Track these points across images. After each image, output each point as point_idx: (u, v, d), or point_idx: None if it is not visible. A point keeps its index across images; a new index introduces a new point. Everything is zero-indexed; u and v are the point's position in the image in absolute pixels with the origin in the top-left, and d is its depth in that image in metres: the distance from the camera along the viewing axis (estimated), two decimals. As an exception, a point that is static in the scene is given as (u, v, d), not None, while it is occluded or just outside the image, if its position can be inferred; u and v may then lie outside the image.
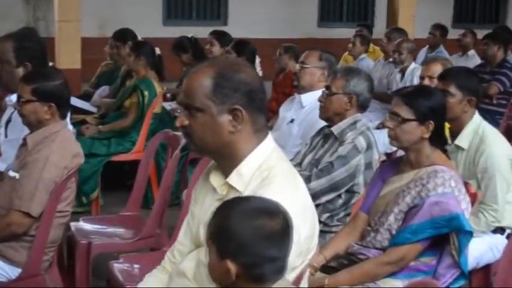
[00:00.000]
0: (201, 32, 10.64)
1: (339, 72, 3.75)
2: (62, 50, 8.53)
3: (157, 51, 6.00)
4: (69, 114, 3.56)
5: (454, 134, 3.65)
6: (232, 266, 1.81)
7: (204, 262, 2.13)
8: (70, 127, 3.60)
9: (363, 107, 3.73)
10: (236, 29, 11.87)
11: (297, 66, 4.54)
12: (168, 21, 12.21)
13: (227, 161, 2.18)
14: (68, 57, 8.51)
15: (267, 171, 2.12)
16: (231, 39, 6.84)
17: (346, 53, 8.67)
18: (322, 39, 12.52)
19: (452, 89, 3.62)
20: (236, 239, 1.81)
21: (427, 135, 2.96)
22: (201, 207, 2.29)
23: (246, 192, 2.10)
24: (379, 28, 10.67)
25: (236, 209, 1.86)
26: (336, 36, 12.49)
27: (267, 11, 12.64)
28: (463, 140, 3.62)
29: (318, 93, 3.90)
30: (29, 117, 3.32)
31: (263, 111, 2.19)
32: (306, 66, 4.43)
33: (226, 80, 2.12)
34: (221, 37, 7.00)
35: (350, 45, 8.37)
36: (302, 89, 4.49)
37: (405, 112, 2.96)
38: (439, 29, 9.04)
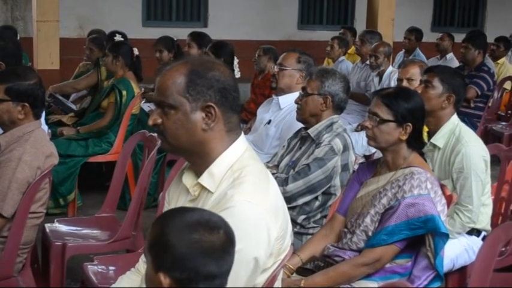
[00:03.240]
0: (180, 33, 10.63)
1: (314, 74, 3.74)
2: (40, 50, 8.46)
3: (136, 51, 5.96)
4: (43, 115, 3.52)
5: (431, 133, 3.67)
6: (165, 280, 1.70)
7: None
8: (45, 127, 3.57)
9: (338, 108, 3.72)
10: (216, 30, 11.86)
11: (275, 68, 4.53)
12: (147, 22, 12.16)
13: (200, 161, 2.17)
14: (46, 57, 8.44)
15: (239, 171, 2.11)
16: (209, 41, 6.80)
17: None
18: (302, 42, 12.54)
19: (436, 82, 3.66)
20: (171, 252, 1.69)
21: (404, 137, 2.97)
22: (175, 208, 2.27)
23: (217, 193, 2.09)
24: (359, 31, 10.66)
25: (175, 221, 1.73)
26: (316, 38, 12.51)
27: (247, 13, 12.63)
28: (440, 139, 3.64)
29: (296, 95, 3.89)
30: (2, 116, 3.28)
31: (236, 111, 2.18)
32: (285, 68, 4.42)
33: (199, 77, 2.11)
34: (199, 39, 6.95)
35: (328, 48, 8.39)
36: (280, 91, 4.49)
37: (384, 113, 2.96)
38: (414, 33, 9.07)
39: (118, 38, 6.68)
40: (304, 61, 4.42)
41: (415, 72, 4.61)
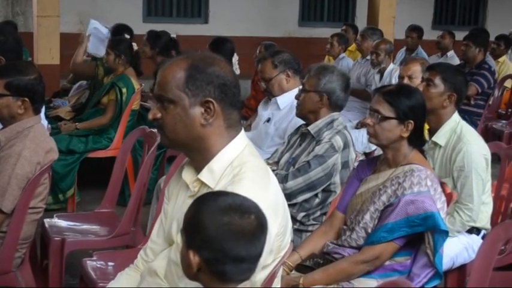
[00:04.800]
0: (181, 29, 10.64)
1: (312, 70, 3.72)
2: (40, 45, 8.45)
3: (135, 46, 5.96)
4: (43, 110, 3.51)
5: (432, 131, 3.66)
6: (194, 258, 1.77)
7: (175, 261, 2.11)
8: (44, 122, 3.56)
9: (336, 106, 3.68)
10: (217, 26, 11.86)
11: (262, 84, 4.50)
12: (148, 18, 12.14)
13: (199, 156, 2.16)
14: (46, 52, 8.43)
15: (239, 167, 2.10)
16: (165, 43, 6.68)
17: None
18: (302, 38, 12.55)
19: (437, 80, 3.65)
20: (202, 232, 1.75)
21: (405, 135, 2.96)
22: (174, 204, 2.26)
23: (217, 189, 2.08)
24: (360, 28, 10.65)
25: (209, 203, 1.80)
26: (317, 35, 12.50)
27: (248, 10, 12.62)
28: (441, 137, 3.63)
29: (293, 92, 3.88)
30: (2, 111, 3.27)
31: (236, 107, 2.17)
32: (267, 78, 4.40)
33: (199, 72, 2.10)
34: (153, 39, 6.74)
35: (328, 45, 8.38)
36: (278, 95, 4.45)
37: (386, 110, 2.96)
38: (415, 31, 9.06)
39: (125, 36, 6.63)
40: (280, 62, 4.36)
41: (416, 69, 4.61)
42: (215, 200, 1.81)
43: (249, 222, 1.77)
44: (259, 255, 1.81)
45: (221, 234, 1.74)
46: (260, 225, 1.80)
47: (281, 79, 4.38)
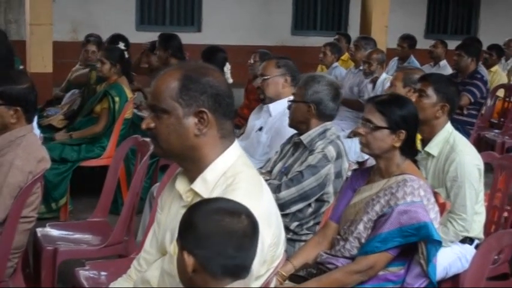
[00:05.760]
0: (174, 37, 10.61)
1: (301, 80, 3.74)
2: (33, 53, 8.42)
3: (126, 54, 5.96)
4: (35, 119, 3.50)
5: (425, 141, 3.67)
6: (188, 259, 1.81)
7: (168, 271, 2.10)
8: (37, 131, 3.54)
9: (325, 116, 3.66)
10: (210, 35, 11.88)
11: (259, 80, 4.53)
12: (141, 26, 12.15)
13: (193, 166, 2.16)
14: (39, 61, 8.40)
15: (232, 177, 2.10)
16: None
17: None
18: (295, 47, 12.56)
19: (430, 91, 3.66)
20: (194, 231, 1.81)
21: (398, 144, 2.96)
22: (167, 214, 2.26)
23: None
24: (353, 38, 10.68)
25: (201, 206, 1.87)
26: (310, 44, 12.52)
27: (241, 18, 12.64)
28: (434, 147, 3.64)
29: (285, 100, 3.89)
30: (-6, 121, 3.26)
31: (230, 117, 2.17)
32: (267, 77, 4.43)
33: (193, 82, 2.10)
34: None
35: (321, 55, 8.40)
36: (270, 100, 4.48)
37: (378, 119, 2.96)
38: (407, 40, 9.07)
39: (121, 45, 6.61)
40: (284, 65, 4.44)
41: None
42: (207, 203, 1.89)
43: (239, 222, 1.82)
44: (252, 258, 1.85)
45: (212, 231, 1.80)
46: (253, 228, 1.85)
47: (278, 81, 4.42)
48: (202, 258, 1.80)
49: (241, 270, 1.84)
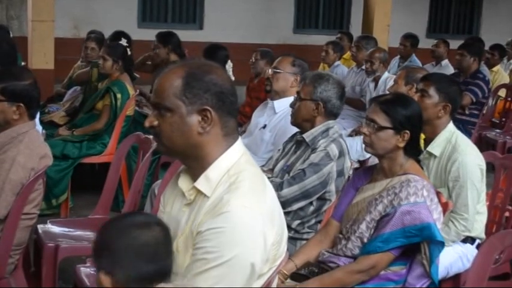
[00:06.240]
0: (176, 35, 10.60)
1: (308, 78, 3.72)
2: (34, 50, 8.44)
3: (128, 51, 5.95)
4: (38, 115, 3.50)
5: (428, 141, 3.66)
6: (105, 278, 1.86)
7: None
8: (39, 128, 3.54)
9: (331, 114, 3.67)
10: (211, 32, 11.87)
11: (270, 71, 4.53)
12: (143, 23, 12.14)
13: (196, 164, 2.15)
14: (40, 57, 8.42)
15: (235, 176, 2.09)
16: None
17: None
18: (297, 46, 12.55)
19: (431, 91, 3.66)
20: (108, 250, 1.87)
21: (402, 144, 2.95)
22: (170, 212, 2.25)
23: (213, 197, 2.07)
24: (355, 36, 10.68)
25: (113, 225, 1.93)
26: (312, 42, 12.51)
27: (243, 16, 12.64)
28: (436, 147, 3.64)
29: (291, 99, 3.88)
30: (-3, 117, 3.26)
31: (233, 115, 2.17)
32: (279, 71, 4.44)
33: (196, 80, 2.09)
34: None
35: (323, 53, 8.40)
36: (275, 94, 4.49)
37: (382, 119, 2.95)
38: (410, 39, 9.07)
39: (123, 42, 6.60)
40: (299, 65, 4.44)
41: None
42: (116, 221, 1.97)
43: (150, 230, 1.91)
44: (170, 257, 1.94)
45: (125, 247, 1.86)
46: (163, 231, 1.94)
47: (289, 79, 4.43)
48: (119, 276, 1.84)
49: (162, 275, 1.89)
